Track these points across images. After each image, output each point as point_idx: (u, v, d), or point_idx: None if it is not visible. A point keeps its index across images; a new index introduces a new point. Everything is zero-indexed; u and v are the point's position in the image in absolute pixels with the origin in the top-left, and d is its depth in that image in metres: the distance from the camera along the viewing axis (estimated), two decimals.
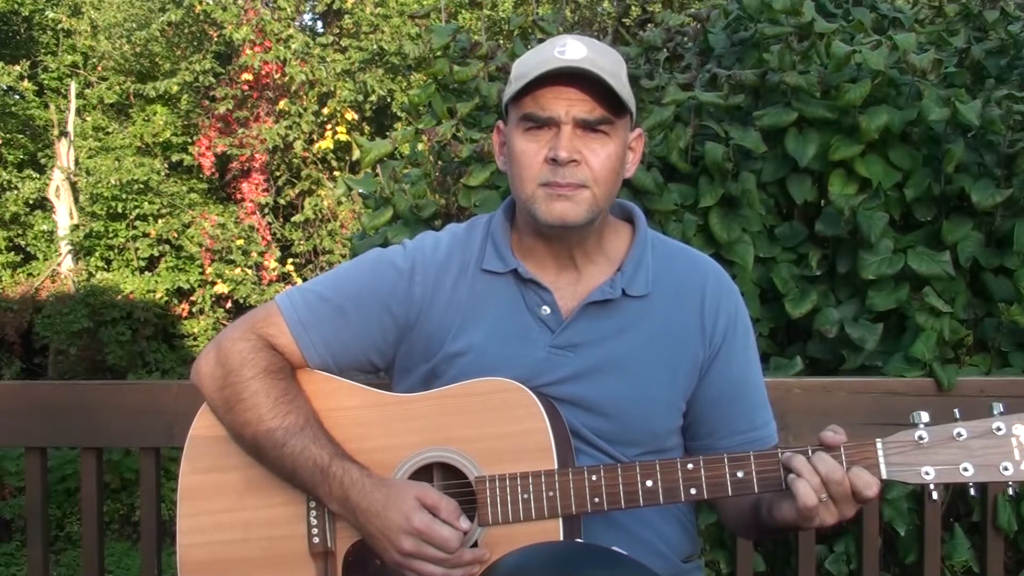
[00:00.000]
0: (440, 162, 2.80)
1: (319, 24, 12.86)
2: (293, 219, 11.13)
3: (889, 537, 2.37)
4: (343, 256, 10.14)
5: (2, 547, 6.02)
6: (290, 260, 11.18)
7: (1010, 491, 1.38)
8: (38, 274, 11.00)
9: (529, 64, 1.49)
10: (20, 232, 11.40)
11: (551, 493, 1.43)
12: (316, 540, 1.51)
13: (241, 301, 10.50)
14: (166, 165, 11.38)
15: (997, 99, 2.47)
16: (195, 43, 11.46)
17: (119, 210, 10.78)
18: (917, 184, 2.48)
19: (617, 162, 1.51)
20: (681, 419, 1.61)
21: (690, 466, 1.43)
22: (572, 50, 1.46)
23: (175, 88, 11.06)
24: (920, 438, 1.37)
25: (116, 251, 11.14)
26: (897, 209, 2.51)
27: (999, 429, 1.36)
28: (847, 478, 1.36)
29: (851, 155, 2.46)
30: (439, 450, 1.49)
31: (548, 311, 1.55)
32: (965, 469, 1.36)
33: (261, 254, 10.87)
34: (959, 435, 1.36)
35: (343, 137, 11.02)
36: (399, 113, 10.96)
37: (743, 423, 1.62)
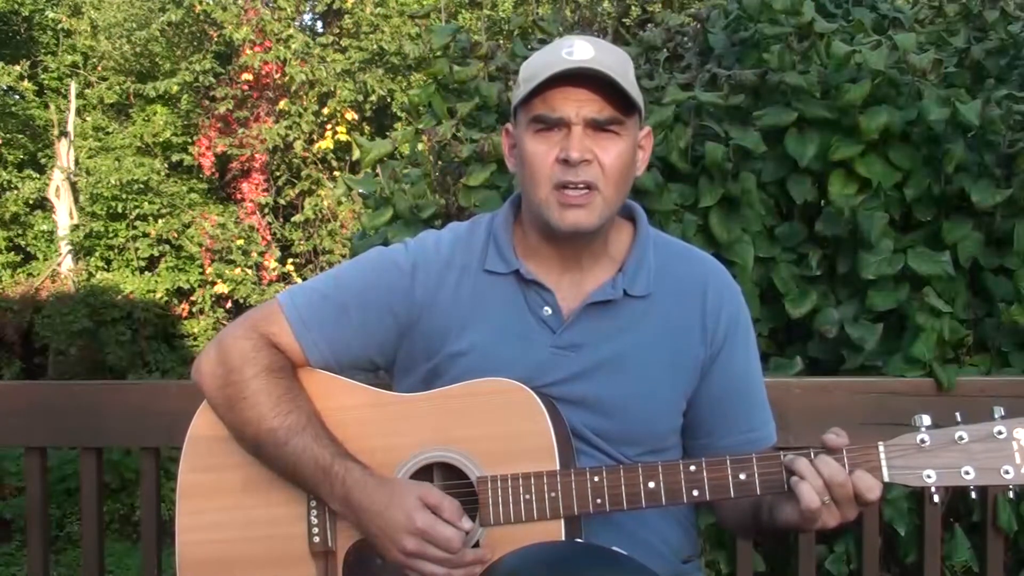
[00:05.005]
0: (440, 162, 2.79)
1: (319, 24, 12.84)
2: (293, 219, 11.12)
3: (889, 537, 2.37)
4: (343, 256, 10.12)
5: (2, 547, 6.02)
6: (290, 260, 11.16)
7: (1011, 493, 1.39)
8: (38, 274, 10.99)
9: (537, 66, 1.49)
10: (20, 232, 11.38)
11: (553, 494, 1.43)
12: (316, 539, 1.51)
13: (241, 301, 10.49)
14: (166, 165, 11.37)
15: (997, 99, 2.47)
16: (195, 43, 11.45)
17: (119, 210, 10.77)
18: (917, 184, 2.48)
19: (628, 160, 1.52)
20: (681, 418, 1.62)
21: (692, 468, 1.43)
22: (580, 51, 1.47)
23: (175, 88, 11.05)
24: (922, 441, 1.37)
25: (116, 251, 11.13)
26: (897, 209, 2.51)
27: (1000, 433, 1.36)
28: (850, 481, 1.37)
29: (851, 155, 2.46)
30: (441, 450, 1.49)
31: (549, 311, 1.55)
32: (966, 472, 1.36)
33: (261, 254, 10.86)
34: (960, 438, 1.37)
35: (343, 137, 11.00)
36: (399, 113, 10.94)
37: (743, 423, 1.62)
